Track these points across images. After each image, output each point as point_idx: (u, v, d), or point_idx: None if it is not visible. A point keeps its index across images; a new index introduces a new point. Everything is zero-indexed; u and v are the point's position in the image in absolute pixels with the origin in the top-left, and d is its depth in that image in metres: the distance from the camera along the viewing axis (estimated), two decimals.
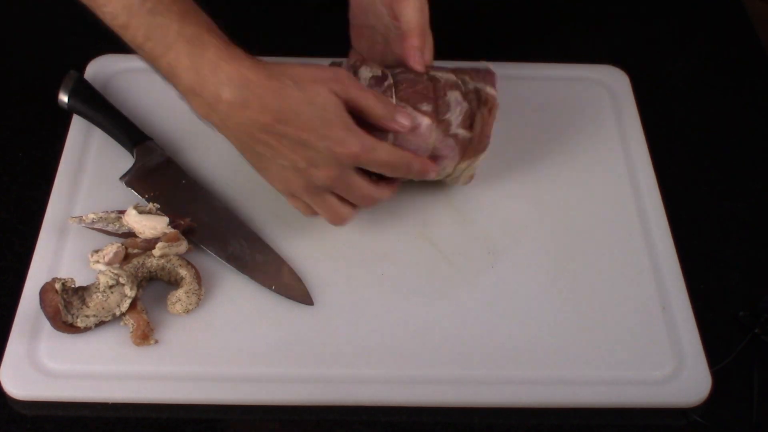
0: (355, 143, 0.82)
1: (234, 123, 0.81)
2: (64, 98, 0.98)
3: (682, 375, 0.85)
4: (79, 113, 0.99)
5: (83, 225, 0.90)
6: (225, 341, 0.85)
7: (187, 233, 0.90)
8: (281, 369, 0.84)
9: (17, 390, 0.82)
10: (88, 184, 0.96)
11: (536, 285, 0.91)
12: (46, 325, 0.83)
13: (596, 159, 1.01)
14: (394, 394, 0.83)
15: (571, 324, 0.88)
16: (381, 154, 0.84)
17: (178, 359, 0.84)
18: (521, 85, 1.07)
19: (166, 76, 0.82)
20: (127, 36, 0.81)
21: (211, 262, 0.90)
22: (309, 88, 0.80)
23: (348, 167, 0.84)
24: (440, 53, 0.94)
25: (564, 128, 1.04)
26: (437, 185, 0.97)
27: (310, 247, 0.92)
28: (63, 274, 0.87)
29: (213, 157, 0.99)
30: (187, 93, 0.81)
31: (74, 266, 0.89)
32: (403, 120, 0.85)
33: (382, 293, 0.89)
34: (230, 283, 0.89)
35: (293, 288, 0.89)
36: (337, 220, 0.88)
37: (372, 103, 0.84)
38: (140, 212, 0.89)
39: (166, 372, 0.83)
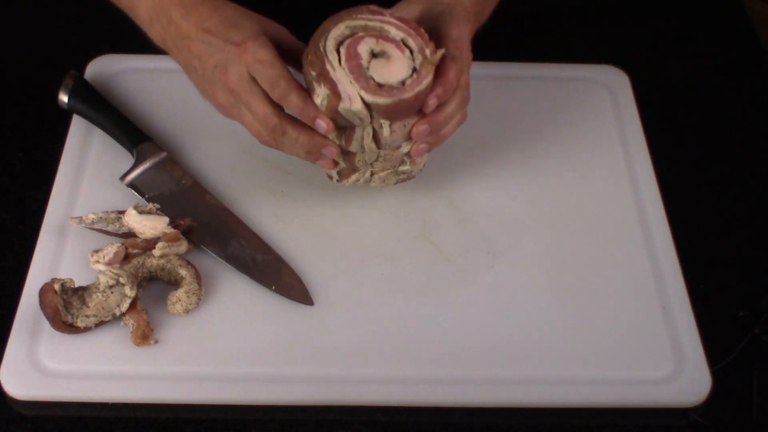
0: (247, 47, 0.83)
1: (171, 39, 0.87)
2: (64, 98, 0.98)
3: (682, 375, 0.85)
4: (79, 113, 0.99)
5: (83, 225, 0.90)
6: (225, 341, 0.85)
7: (187, 233, 0.90)
8: (281, 369, 0.84)
9: (17, 390, 0.82)
10: (88, 184, 0.95)
11: (536, 285, 0.91)
12: (46, 325, 0.83)
13: (596, 159, 1.01)
14: (394, 394, 0.83)
15: (571, 324, 0.88)
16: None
17: (178, 359, 0.84)
18: (521, 85, 1.07)
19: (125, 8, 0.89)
20: None
21: (211, 262, 0.90)
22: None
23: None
24: None
25: (564, 128, 1.04)
26: (438, 184, 0.97)
27: (310, 247, 0.92)
28: (63, 274, 0.87)
29: (213, 157, 0.99)
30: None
31: (74, 266, 0.89)
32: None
33: (382, 293, 0.89)
34: (230, 283, 0.89)
35: (293, 288, 0.88)
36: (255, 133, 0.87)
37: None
38: (140, 212, 0.89)
39: (166, 372, 0.83)
